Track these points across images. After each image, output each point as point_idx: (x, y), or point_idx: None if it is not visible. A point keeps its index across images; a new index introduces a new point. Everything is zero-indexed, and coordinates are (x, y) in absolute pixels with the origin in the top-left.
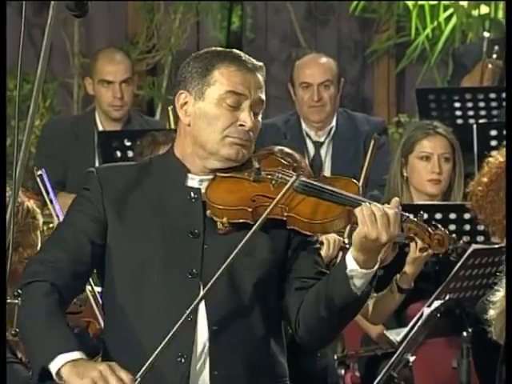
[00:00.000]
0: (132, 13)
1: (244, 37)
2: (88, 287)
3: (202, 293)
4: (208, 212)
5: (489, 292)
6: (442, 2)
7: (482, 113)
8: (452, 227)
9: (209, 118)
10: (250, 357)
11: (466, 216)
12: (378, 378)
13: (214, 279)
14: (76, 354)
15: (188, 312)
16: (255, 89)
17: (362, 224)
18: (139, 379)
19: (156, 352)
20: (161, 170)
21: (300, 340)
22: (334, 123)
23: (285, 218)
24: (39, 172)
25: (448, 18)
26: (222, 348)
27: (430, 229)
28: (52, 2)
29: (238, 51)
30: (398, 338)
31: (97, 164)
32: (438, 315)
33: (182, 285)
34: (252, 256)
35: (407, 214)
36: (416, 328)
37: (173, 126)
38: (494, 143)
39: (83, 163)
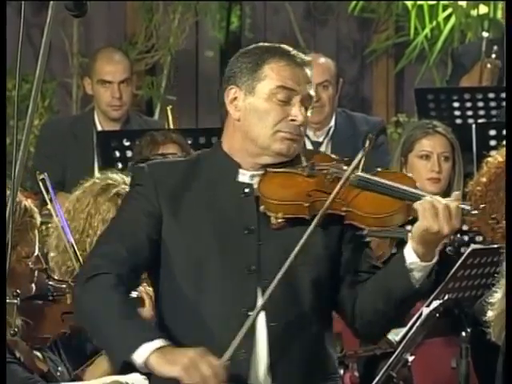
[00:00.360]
0: (131, 13)
1: (243, 37)
2: None
3: (269, 290)
4: (262, 207)
5: (487, 292)
6: (441, 2)
7: (481, 112)
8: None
9: (260, 112)
10: (306, 352)
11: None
12: (377, 378)
13: (278, 277)
14: (160, 342)
15: (258, 309)
16: (304, 84)
17: (424, 218)
18: (228, 362)
19: (237, 340)
20: (210, 165)
21: (356, 332)
22: (332, 123)
23: (343, 214)
24: (41, 176)
25: (447, 18)
26: (280, 344)
27: (492, 223)
28: (51, 2)
29: (287, 46)
30: (397, 338)
31: (96, 164)
32: (437, 315)
33: (239, 281)
34: (307, 252)
35: (469, 207)
36: (415, 328)
37: (172, 126)
38: (492, 143)
39: (82, 163)
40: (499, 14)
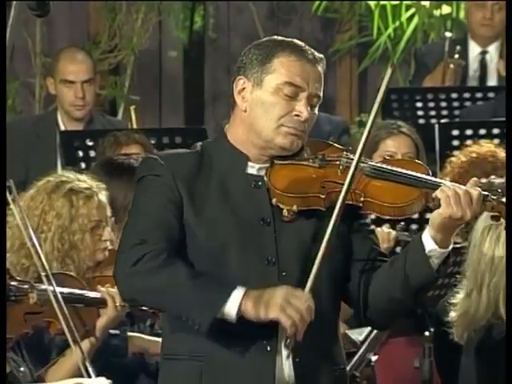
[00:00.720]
0: (94, 12)
1: (206, 37)
2: (50, 287)
3: (308, 287)
4: (274, 200)
5: (450, 292)
6: (404, 2)
7: (444, 112)
8: (414, 227)
9: (265, 105)
10: (326, 345)
11: (428, 216)
12: None
13: (314, 272)
14: (243, 289)
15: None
16: (313, 81)
17: (447, 205)
18: (309, 294)
19: (319, 257)
20: (219, 157)
21: (365, 320)
22: None
23: (361, 204)
24: (7, 184)
25: (410, 18)
26: (303, 338)
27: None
28: (14, 2)
29: (299, 42)
30: (360, 338)
31: (59, 164)
32: None
33: (260, 273)
34: (321, 241)
35: (488, 192)
36: None
37: (135, 126)
38: (455, 143)
39: (45, 163)
40: (462, 14)
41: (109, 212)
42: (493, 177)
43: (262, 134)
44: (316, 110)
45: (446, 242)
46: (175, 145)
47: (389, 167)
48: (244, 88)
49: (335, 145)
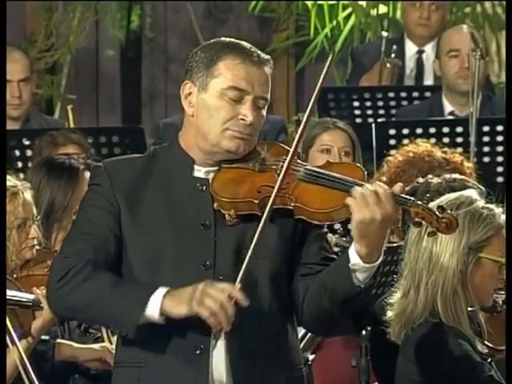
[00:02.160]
0: (30, 11)
1: (143, 36)
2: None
3: (237, 284)
4: (215, 205)
5: (387, 290)
6: (341, 2)
7: (381, 112)
8: (350, 226)
9: (211, 109)
10: (266, 345)
11: None
12: None
13: (240, 275)
14: (163, 289)
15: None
16: (259, 84)
17: (356, 209)
18: (239, 285)
19: (249, 254)
20: (167, 160)
21: (304, 325)
22: None
23: (291, 208)
24: None
25: (347, 18)
26: (238, 337)
27: (437, 212)
28: None
29: (246, 43)
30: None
31: None
32: None
33: (195, 276)
34: (263, 245)
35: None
36: None
37: (72, 125)
38: (392, 142)
39: None
40: (398, 14)
41: (34, 210)
42: (430, 176)
43: (208, 138)
44: (264, 112)
45: (371, 256)
46: (112, 144)
47: (321, 171)
48: (190, 92)
49: (285, 147)
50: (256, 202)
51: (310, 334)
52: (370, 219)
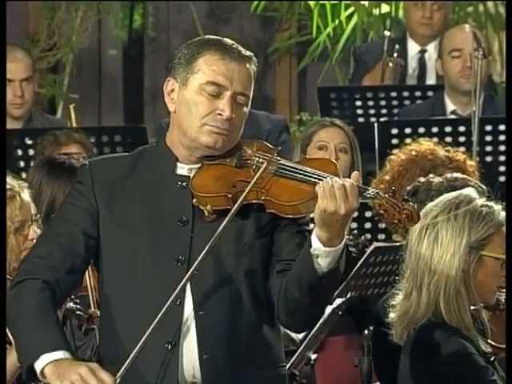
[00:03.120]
0: (33, 11)
1: (146, 35)
2: None
3: (184, 278)
4: (194, 200)
5: (390, 290)
6: (343, 2)
7: (383, 111)
8: (354, 225)
9: (190, 105)
10: (239, 341)
11: (368, 214)
12: None
13: (195, 265)
14: (59, 354)
15: (171, 299)
16: (238, 80)
17: (321, 198)
18: (119, 379)
19: (140, 344)
20: (152, 158)
21: (282, 323)
22: None
23: (262, 202)
24: None
25: (349, 17)
26: (210, 332)
27: (399, 204)
28: None
29: (229, 40)
30: (300, 336)
31: None
32: (340, 313)
33: (169, 271)
34: (238, 241)
35: (375, 189)
36: (317, 326)
37: (74, 124)
38: (395, 141)
39: None
40: (401, 13)
41: (33, 210)
42: (431, 176)
43: (187, 134)
44: (245, 109)
45: (332, 241)
46: (115, 143)
47: (294, 165)
48: (173, 89)
49: (269, 145)
50: (230, 196)
51: (312, 334)
52: (334, 211)
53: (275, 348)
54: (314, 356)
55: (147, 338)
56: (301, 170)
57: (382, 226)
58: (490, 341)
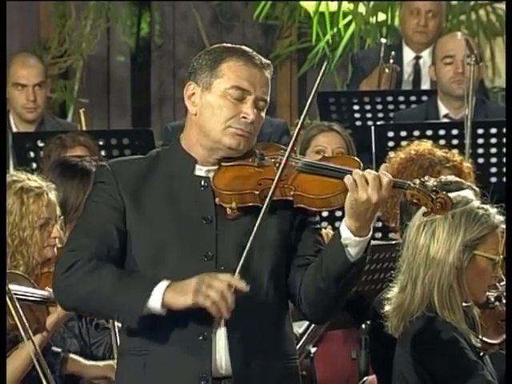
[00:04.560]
0: (44, 19)
1: (152, 42)
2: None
3: (236, 274)
4: (217, 200)
5: (386, 286)
6: (342, 10)
7: (380, 115)
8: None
9: (214, 108)
10: (264, 334)
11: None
12: None
13: (241, 263)
14: (165, 282)
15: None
16: (260, 86)
17: (352, 188)
18: (238, 274)
19: (249, 245)
20: (169, 160)
21: (303, 315)
22: None
23: (291, 198)
24: None
25: (347, 25)
26: (239, 326)
27: (432, 194)
28: None
29: (247, 48)
30: (300, 330)
31: (11, 164)
32: None
33: (197, 267)
34: (262, 237)
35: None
36: None
37: (84, 128)
38: (391, 144)
39: None
40: (396, 22)
41: (58, 211)
42: (426, 178)
43: (210, 136)
44: (263, 114)
45: (361, 230)
46: (123, 146)
47: (317, 162)
48: (194, 93)
49: (281, 146)
50: (257, 193)
51: (311, 328)
52: (366, 200)
53: (292, 340)
54: (313, 349)
55: (178, 334)
56: (327, 166)
57: (379, 224)
58: (481, 336)
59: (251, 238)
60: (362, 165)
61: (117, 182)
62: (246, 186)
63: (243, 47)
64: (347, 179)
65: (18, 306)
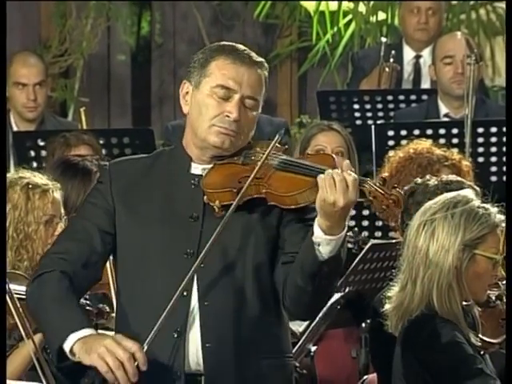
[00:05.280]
0: (45, 18)
1: (153, 41)
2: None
3: (191, 271)
4: (205, 198)
5: (386, 285)
6: (342, 9)
7: (380, 114)
8: (351, 223)
9: (201, 106)
10: (243, 331)
11: (365, 212)
12: None
13: (200, 257)
14: (86, 331)
15: (180, 289)
16: (247, 84)
17: (321, 189)
18: (146, 346)
19: (158, 324)
20: (169, 159)
21: (287, 312)
22: None
23: (264, 196)
24: None
25: (347, 24)
26: (213, 322)
27: (386, 191)
28: None
29: (239, 46)
30: (300, 329)
31: (12, 163)
32: (338, 307)
33: (178, 264)
34: (245, 235)
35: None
36: (317, 319)
37: (85, 127)
38: (391, 143)
39: None
40: (396, 21)
41: (62, 210)
42: (427, 177)
43: (197, 134)
44: (254, 112)
45: (332, 229)
46: (123, 145)
47: (293, 159)
48: (187, 92)
49: (277, 145)
50: (234, 191)
51: (312, 326)
52: (333, 202)
53: (280, 338)
54: (313, 348)
55: (159, 326)
56: (301, 164)
57: (379, 223)
58: (480, 335)
59: (215, 232)
60: (336, 161)
61: (111, 181)
62: (227, 184)
63: (235, 45)
64: (318, 179)
65: (19, 305)
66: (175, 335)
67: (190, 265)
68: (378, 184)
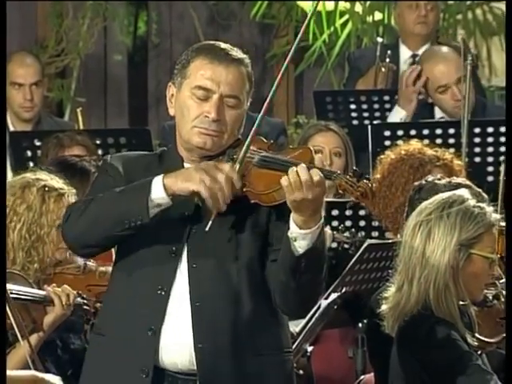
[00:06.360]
0: (41, 18)
1: (149, 41)
2: None
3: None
4: (195, 198)
5: (383, 285)
6: (338, 9)
7: (376, 114)
8: (348, 223)
9: (182, 108)
10: (237, 331)
11: (361, 213)
12: None
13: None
14: (161, 175)
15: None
16: (226, 83)
17: (287, 190)
18: (238, 166)
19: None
20: (165, 159)
21: (279, 309)
22: None
23: (245, 194)
24: None
25: (344, 24)
26: (206, 322)
27: (354, 183)
28: None
29: (223, 45)
30: (297, 329)
31: (8, 164)
32: (335, 307)
33: (162, 263)
34: (236, 233)
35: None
36: (314, 319)
37: (81, 127)
38: (387, 143)
39: None
40: (393, 21)
41: None
42: (438, 176)
43: (182, 135)
44: (237, 110)
45: (307, 223)
46: (120, 145)
47: (270, 155)
48: (172, 94)
49: (263, 139)
50: None
51: (308, 326)
52: (302, 199)
53: (277, 334)
54: (310, 348)
55: (129, 323)
56: (278, 160)
57: (376, 224)
58: (476, 335)
59: (207, 225)
60: (313, 154)
61: (118, 168)
62: None
63: (216, 44)
64: (283, 180)
65: (12, 305)
66: (150, 333)
67: (173, 262)
68: (347, 176)
